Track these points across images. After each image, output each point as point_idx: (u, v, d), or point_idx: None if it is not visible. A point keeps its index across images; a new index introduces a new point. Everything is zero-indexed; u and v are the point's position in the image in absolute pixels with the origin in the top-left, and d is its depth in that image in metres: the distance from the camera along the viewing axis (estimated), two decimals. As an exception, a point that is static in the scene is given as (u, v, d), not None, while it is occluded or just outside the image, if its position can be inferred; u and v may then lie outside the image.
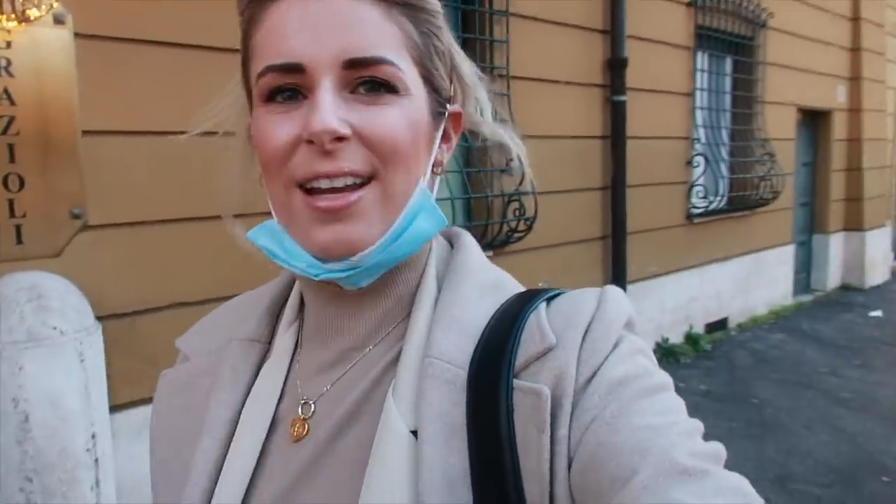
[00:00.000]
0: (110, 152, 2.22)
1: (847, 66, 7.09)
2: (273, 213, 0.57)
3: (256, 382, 0.62)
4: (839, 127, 7.07)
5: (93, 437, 2.03)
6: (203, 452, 0.60)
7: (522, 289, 0.60)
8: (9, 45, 1.96)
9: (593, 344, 0.52)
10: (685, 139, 4.81)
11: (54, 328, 1.93)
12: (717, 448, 0.48)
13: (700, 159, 4.80)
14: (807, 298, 6.94)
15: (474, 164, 3.36)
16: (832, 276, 7.37)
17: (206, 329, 0.69)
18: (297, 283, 0.65)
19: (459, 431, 0.51)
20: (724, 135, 5.36)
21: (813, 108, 6.64)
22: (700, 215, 4.98)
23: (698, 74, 4.93)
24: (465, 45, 3.34)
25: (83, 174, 2.15)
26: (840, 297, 7.13)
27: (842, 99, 7.07)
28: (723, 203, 5.37)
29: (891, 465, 3.36)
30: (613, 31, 4.04)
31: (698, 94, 4.90)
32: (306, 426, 0.58)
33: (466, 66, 0.62)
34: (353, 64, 0.51)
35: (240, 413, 0.61)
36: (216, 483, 0.59)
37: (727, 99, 5.48)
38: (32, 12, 1.83)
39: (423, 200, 0.56)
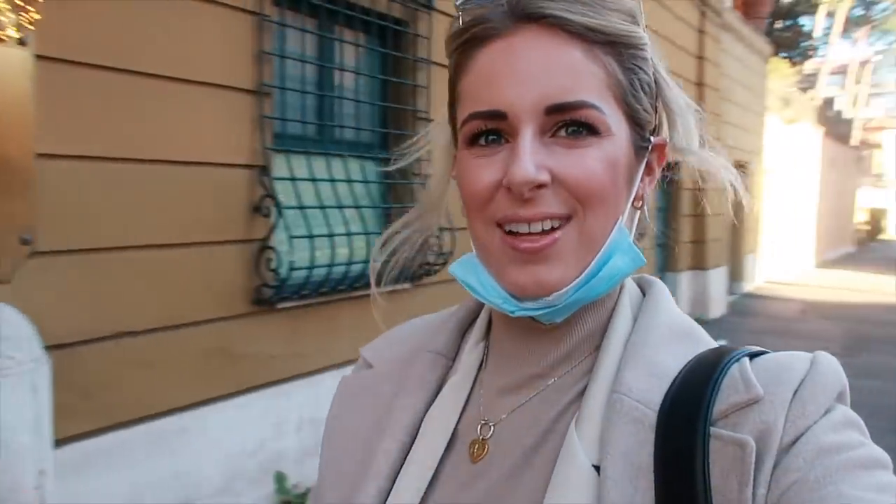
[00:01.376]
0: (63, 177, 2.16)
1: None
2: (473, 247, 0.59)
3: (440, 395, 0.63)
4: (686, 176, 7.98)
5: (40, 473, 1.94)
6: (384, 453, 0.61)
7: (715, 342, 0.59)
8: (-35, 63, 1.89)
9: (803, 405, 0.49)
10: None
11: (11, 358, 1.85)
12: None
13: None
14: (662, 329, 7.69)
15: (392, 199, 3.52)
16: (682, 309, 8.22)
17: (392, 340, 0.72)
18: (486, 305, 0.66)
19: (645, 472, 0.50)
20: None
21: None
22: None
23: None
24: (391, 88, 3.53)
25: (35, 198, 2.08)
26: (689, 329, 7.96)
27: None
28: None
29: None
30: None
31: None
32: (486, 447, 0.59)
33: (674, 92, 0.61)
34: (554, 109, 0.52)
35: (421, 421, 0.62)
36: (392, 483, 0.60)
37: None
38: (7, 33, 1.79)
39: (621, 239, 0.56)
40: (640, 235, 0.62)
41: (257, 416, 2.95)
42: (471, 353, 0.65)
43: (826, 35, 22.39)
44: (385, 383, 0.67)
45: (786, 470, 0.47)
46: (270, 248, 2.83)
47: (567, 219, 0.53)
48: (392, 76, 3.46)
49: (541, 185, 0.52)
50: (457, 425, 0.62)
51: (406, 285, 3.68)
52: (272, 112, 2.84)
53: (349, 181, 3.20)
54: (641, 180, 0.59)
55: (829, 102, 20.84)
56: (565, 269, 0.54)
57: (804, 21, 17.87)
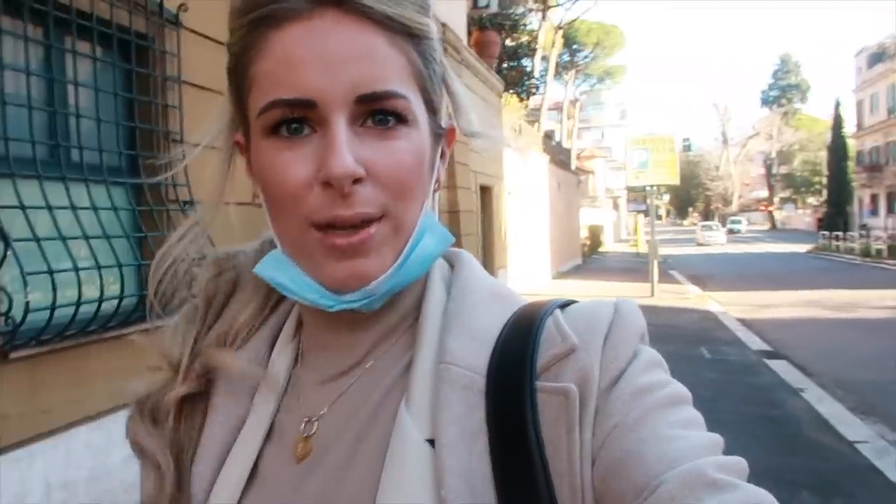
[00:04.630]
0: None
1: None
2: (278, 243, 0.57)
3: (252, 404, 0.61)
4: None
5: None
6: (199, 477, 0.59)
7: (528, 300, 0.61)
8: None
9: (614, 349, 0.52)
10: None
11: None
12: (742, 463, 0.47)
13: None
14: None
15: (146, 201, 3.23)
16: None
17: None
18: (295, 306, 0.64)
19: (479, 436, 0.50)
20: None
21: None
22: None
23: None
24: (138, 107, 3.25)
25: None
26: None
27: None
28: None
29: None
30: (274, 107, 4.32)
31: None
32: (309, 444, 0.57)
33: (457, 83, 0.63)
34: (366, 98, 0.51)
35: (237, 435, 0.60)
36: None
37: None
38: None
39: (428, 221, 0.57)
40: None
41: (-10, 492, 2.47)
42: (281, 352, 0.63)
43: (543, 76, 25.54)
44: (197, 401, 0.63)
45: (607, 414, 0.50)
46: (-2, 288, 2.42)
47: (380, 217, 0.53)
48: (138, 94, 3.19)
49: (358, 180, 0.51)
50: (275, 430, 0.60)
51: (169, 321, 3.38)
52: (-9, 130, 2.44)
53: (93, 208, 2.87)
54: (438, 165, 0.60)
55: (549, 134, 23.74)
56: (382, 259, 0.54)
57: (526, 62, 20.20)
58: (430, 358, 0.55)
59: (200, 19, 3.57)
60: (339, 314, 0.56)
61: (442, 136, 0.60)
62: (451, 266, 0.64)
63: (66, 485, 2.81)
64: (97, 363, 2.98)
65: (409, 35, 0.54)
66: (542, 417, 0.50)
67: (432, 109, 0.57)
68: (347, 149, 0.50)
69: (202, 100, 3.67)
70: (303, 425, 0.58)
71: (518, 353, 0.53)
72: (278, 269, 0.57)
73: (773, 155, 70.08)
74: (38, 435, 2.68)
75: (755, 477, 0.45)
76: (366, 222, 0.52)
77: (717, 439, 0.49)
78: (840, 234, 31.79)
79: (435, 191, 0.60)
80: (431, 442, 0.51)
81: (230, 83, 0.57)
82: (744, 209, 78.72)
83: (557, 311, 0.56)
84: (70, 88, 2.86)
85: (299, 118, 0.52)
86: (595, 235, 30.88)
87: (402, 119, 0.53)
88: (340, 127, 0.50)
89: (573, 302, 0.59)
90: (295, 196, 0.52)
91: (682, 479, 0.44)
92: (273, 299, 0.66)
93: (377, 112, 0.52)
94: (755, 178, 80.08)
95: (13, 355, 2.52)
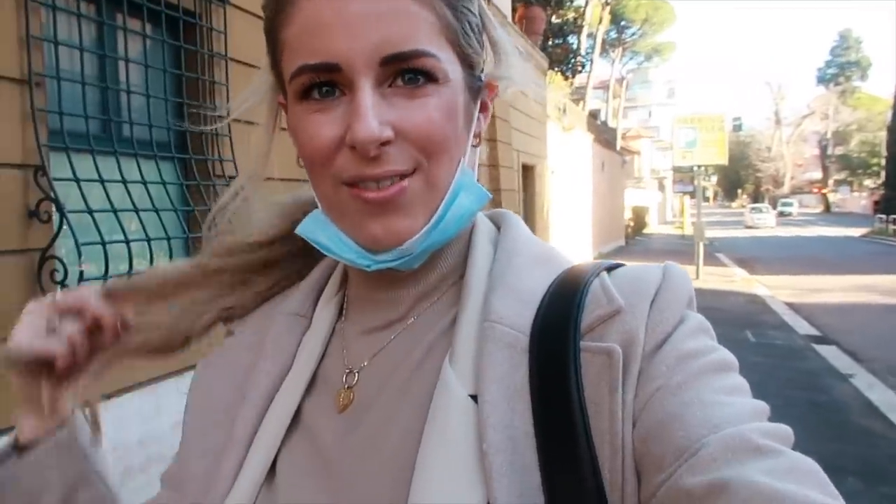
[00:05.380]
0: None
1: (485, 130, 8.59)
2: (319, 204, 0.58)
3: (297, 354, 0.62)
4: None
5: None
6: (242, 421, 0.60)
7: (574, 262, 0.61)
8: None
9: (661, 313, 0.52)
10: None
11: None
12: (787, 430, 0.47)
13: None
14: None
15: (193, 176, 3.31)
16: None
17: (261, 311, 0.69)
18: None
19: (522, 394, 0.51)
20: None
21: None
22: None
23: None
24: (187, 84, 3.32)
25: None
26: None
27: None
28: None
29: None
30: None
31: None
32: (351, 395, 0.58)
33: (499, 31, 0.61)
34: (391, 59, 0.50)
35: (281, 383, 0.61)
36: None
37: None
38: None
39: (464, 178, 0.56)
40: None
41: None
42: (325, 307, 0.64)
43: (589, 53, 25.06)
44: (245, 351, 0.65)
45: (650, 376, 0.49)
46: (54, 257, 2.51)
47: (413, 172, 0.53)
48: (186, 71, 3.25)
49: (386, 142, 0.51)
50: (318, 379, 0.61)
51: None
52: (46, 105, 2.53)
53: (144, 182, 2.95)
54: (478, 119, 0.60)
55: (594, 114, 23.34)
56: (415, 216, 0.54)
57: (572, 40, 19.85)
58: (475, 316, 0.55)
59: (246, -4, 3.62)
60: (382, 273, 0.57)
61: (480, 89, 0.59)
62: (497, 227, 0.64)
63: (120, 447, 2.93)
64: (147, 332, 3.08)
65: None
66: (585, 377, 0.50)
67: (468, 64, 0.56)
68: (373, 113, 0.50)
69: (248, 76, 3.73)
70: (344, 376, 0.59)
71: (563, 312, 0.53)
72: (318, 229, 0.57)
73: (829, 135, 67.68)
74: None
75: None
76: (397, 176, 0.52)
77: (762, 406, 0.49)
78: (898, 217, 30.63)
79: (475, 146, 0.60)
80: (474, 398, 0.51)
81: (267, 46, 0.58)
82: (795, 191, 76.36)
83: (604, 274, 0.56)
84: (121, 65, 2.94)
85: (328, 81, 0.52)
86: (639, 217, 30.42)
87: (431, 77, 0.52)
88: (366, 91, 0.50)
89: (620, 265, 0.58)
90: (324, 156, 0.53)
91: (724, 443, 0.44)
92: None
93: (406, 71, 0.52)
94: (809, 159, 77.52)
95: (69, 322, 2.62)
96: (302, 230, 0.59)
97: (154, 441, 3.15)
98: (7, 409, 0.65)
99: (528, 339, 0.53)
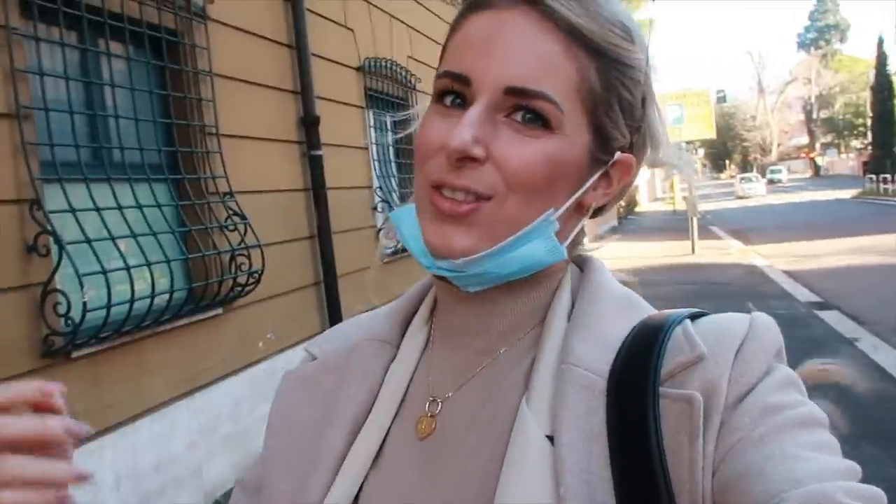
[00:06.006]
0: None
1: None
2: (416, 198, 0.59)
3: (385, 380, 0.63)
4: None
5: None
6: (329, 445, 0.60)
7: (655, 310, 0.60)
8: None
9: (746, 364, 0.51)
10: (368, 188, 5.37)
11: None
12: (878, 494, 0.44)
13: (384, 205, 5.40)
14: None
15: (188, 195, 3.29)
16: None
17: (335, 334, 0.71)
18: (432, 288, 0.66)
19: (599, 438, 0.51)
20: (394, 182, 6.08)
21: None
22: (390, 255, 5.55)
23: (371, 130, 5.53)
24: (173, 103, 3.29)
25: None
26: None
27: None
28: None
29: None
30: (304, 92, 4.35)
31: (373, 147, 5.51)
32: (433, 424, 0.59)
33: (655, 119, 0.61)
34: (513, 91, 0.53)
35: (368, 410, 0.62)
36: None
37: (391, 151, 6.22)
38: None
39: (543, 229, 0.56)
40: (575, 244, 0.62)
41: (65, 484, 2.58)
42: (414, 336, 0.65)
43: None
44: (329, 375, 0.66)
45: (732, 428, 0.48)
46: (56, 290, 2.50)
47: (488, 198, 0.54)
48: (172, 91, 3.23)
49: (473, 159, 0.52)
50: (402, 406, 0.62)
51: (218, 310, 3.46)
52: (36, 137, 2.50)
53: (139, 206, 2.93)
54: (594, 189, 0.59)
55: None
56: (476, 238, 0.54)
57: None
58: (554, 358, 0.55)
59: (227, 10, 3.59)
60: (469, 301, 0.59)
61: (606, 163, 0.58)
62: (581, 270, 0.64)
63: (134, 475, 2.92)
64: (154, 356, 3.07)
65: (592, 51, 0.54)
66: (665, 424, 0.50)
67: (600, 133, 0.56)
68: (472, 127, 0.52)
69: (235, 91, 3.70)
70: (427, 404, 0.60)
71: (643, 357, 0.53)
72: (404, 218, 0.60)
73: (813, 100, 67.83)
74: (104, 429, 2.79)
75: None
76: (473, 196, 0.53)
77: (853, 467, 0.47)
78: (888, 176, 30.72)
79: (581, 214, 0.60)
80: (551, 438, 0.51)
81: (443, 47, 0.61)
82: (783, 158, 76.57)
83: (687, 321, 0.55)
84: (107, 90, 2.91)
85: (459, 92, 0.55)
86: (630, 195, 30.41)
87: (546, 123, 0.53)
88: (478, 107, 0.53)
89: (705, 313, 0.58)
90: (425, 155, 0.56)
91: (805, 500, 0.42)
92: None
93: (526, 110, 0.53)
94: (794, 125, 77.66)
95: (75, 354, 2.61)
96: (394, 213, 0.61)
97: (169, 464, 3.15)
98: None
99: (605, 382, 0.53)
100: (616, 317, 0.58)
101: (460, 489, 0.55)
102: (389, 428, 0.61)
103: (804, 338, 6.82)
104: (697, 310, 0.58)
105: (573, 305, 0.59)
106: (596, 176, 0.58)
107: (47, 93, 2.58)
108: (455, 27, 0.58)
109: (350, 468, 0.59)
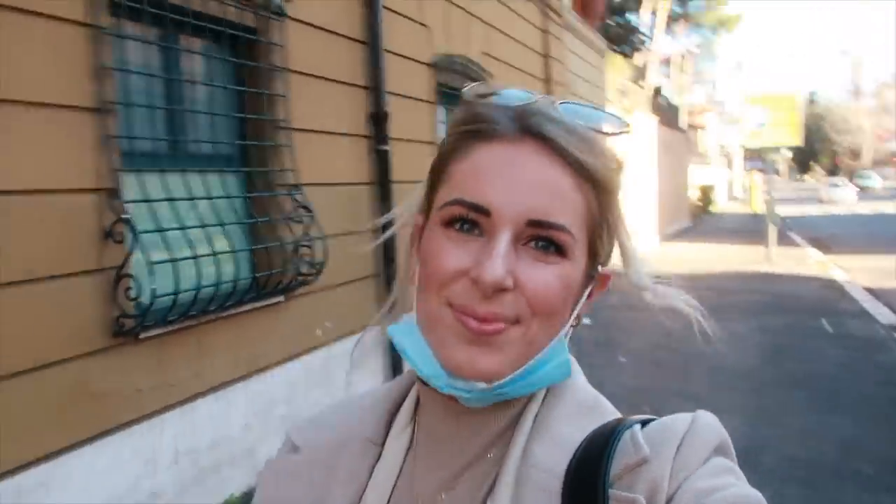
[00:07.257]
0: None
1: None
2: (416, 314, 0.61)
3: (370, 484, 0.65)
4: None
5: None
6: None
7: (619, 414, 0.64)
8: None
9: (684, 459, 0.54)
10: (433, 183, 5.43)
11: None
12: None
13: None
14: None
15: (257, 213, 3.41)
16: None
17: (320, 424, 0.72)
18: (414, 386, 0.67)
19: None
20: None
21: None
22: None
23: (441, 126, 5.56)
24: (248, 98, 3.40)
25: None
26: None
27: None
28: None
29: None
30: (375, 87, 4.41)
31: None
32: None
33: (628, 237, 0.66)
34: (535, 223, 0.56)
35: None
36: None
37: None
38: None
39: (559, 351, 0.60)
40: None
41: (127, 456, 2.75)
42: (398, 437, 0.67)
43: (651, 30, 24.29)
44: (315, 470, 0.67)
45: None
46: (128, 275, 2.64)
47: (514, 322, 0.57)
48: (247, 86, 3.34)
49: (504, 289, 0.55)
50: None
51: (279, 298, 3.58)
52: (118, 130, 2.64)
53: (209, 197, 3.06)
54: (583, 303, 0.63)
55: (658, 90, 22.66)
56: (503, 360, 0.57)
57: (632, 17, 19.28)
58: (517, 462, 0.59)
59: (305, 9, 3.67)
60: (455, 407, 0.61)
61: (594, 278, 0.63)
62: None
63: (191, 451, 3.08)
64: (216, 340, 3.21)
65: (594, 183, 0.59)
66: None
67: (593, 253, 0.61)
68: (504, 261, 0.55)
69: (308, 86, 3.79)
70: None
71: (594, 460, 0.56)
72: (406, 336, 0.61)
73: (914, 104, 63.60)
74: (166, 406, 2.94)
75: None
76: (501, 320, 0.56)
77: None
78: None
79: (573, 326, 0.63)
80: None
81: (429, 175, 0.63)
82: (877, 164, 72.31)
83: (636, 426, 0.59)
84: (185, 85, 3.04)
85: (473, 220, 0.57)
86: (706, 195, 29.45)
87: (561, 251, 0.57)
88: (504, 239, 0.55)
89: (653, 419, 0.61)
90: (443, 280, 0.57)
91: None
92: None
93: (542, 239, 0.57)
94: (891, 130, 73.19)
95: (143, 335, 2.76)
96: (392, 332, 0.62)
97: (224, 442, 3.29)
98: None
99: (561, 483, 0.56)
100: (577, 421, 0.61)
101: None
102: None
103: (882, 363, 6.45)
104: (648, 416, 0.61)
105: (539, 409, 0.62)
106: (588, 290, 0.63)
107: (130, 88, 2.72)
108: (457, 153, 0.59)
109: None
